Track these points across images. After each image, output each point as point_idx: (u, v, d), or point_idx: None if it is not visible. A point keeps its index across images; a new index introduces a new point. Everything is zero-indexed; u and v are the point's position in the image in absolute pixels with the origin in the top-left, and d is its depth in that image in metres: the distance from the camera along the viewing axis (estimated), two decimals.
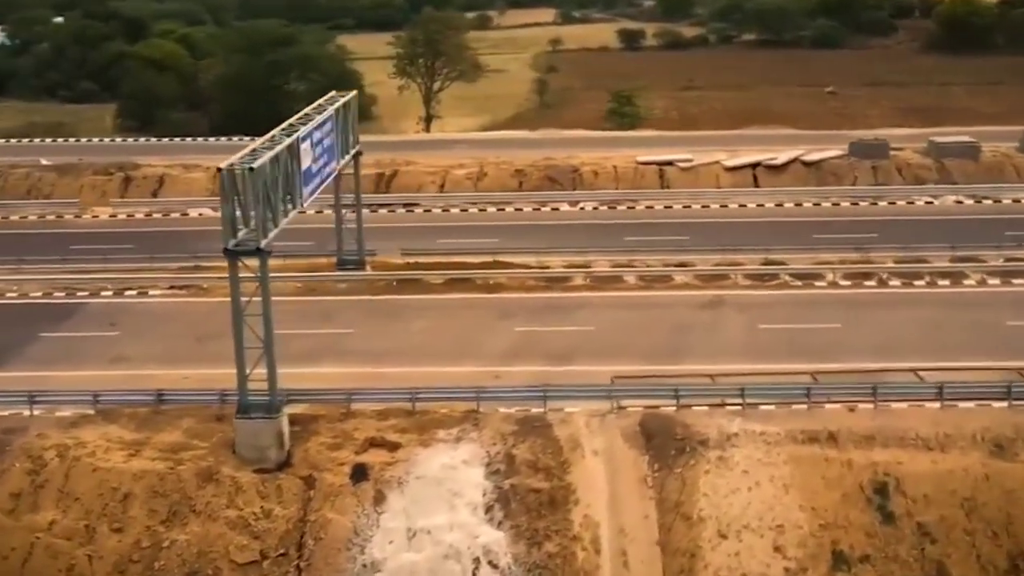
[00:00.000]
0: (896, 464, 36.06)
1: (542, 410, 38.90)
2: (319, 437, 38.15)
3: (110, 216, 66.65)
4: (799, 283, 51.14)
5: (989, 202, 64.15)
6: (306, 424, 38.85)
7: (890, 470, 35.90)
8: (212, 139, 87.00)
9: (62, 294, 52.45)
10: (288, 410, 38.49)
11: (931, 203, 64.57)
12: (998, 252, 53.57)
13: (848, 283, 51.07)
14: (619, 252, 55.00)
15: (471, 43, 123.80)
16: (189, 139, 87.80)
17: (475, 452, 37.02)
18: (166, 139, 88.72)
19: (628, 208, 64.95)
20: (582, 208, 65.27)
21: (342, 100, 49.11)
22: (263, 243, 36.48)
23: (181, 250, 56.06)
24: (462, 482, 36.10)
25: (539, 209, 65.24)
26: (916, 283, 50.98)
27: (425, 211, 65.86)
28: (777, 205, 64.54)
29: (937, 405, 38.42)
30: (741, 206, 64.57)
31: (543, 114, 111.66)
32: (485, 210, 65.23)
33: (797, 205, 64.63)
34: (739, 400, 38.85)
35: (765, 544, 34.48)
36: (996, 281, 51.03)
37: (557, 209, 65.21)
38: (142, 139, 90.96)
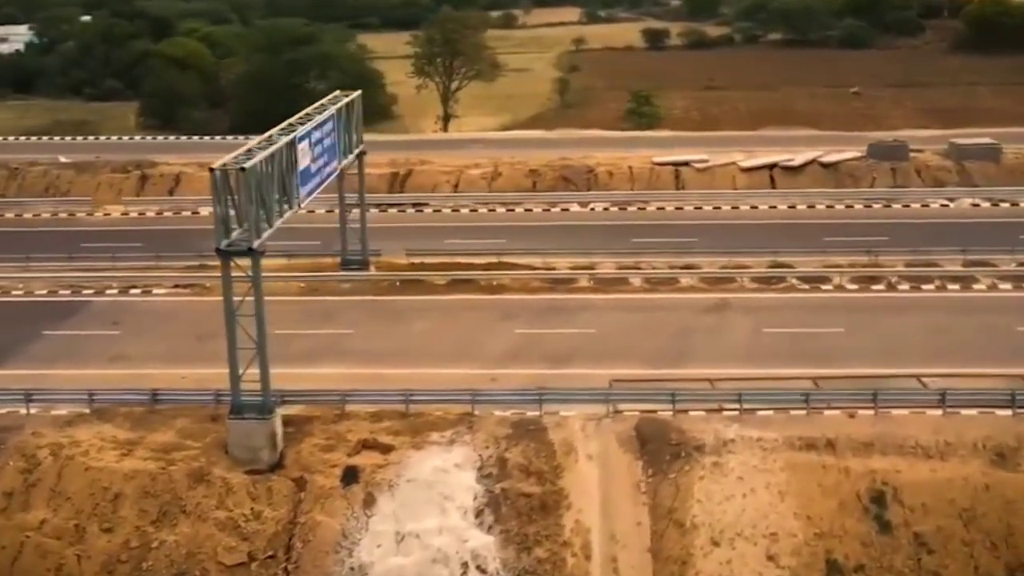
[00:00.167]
0: (894, 472, 35.40)
1: (538, 413, 38.51)
2: (312, 438, 37.97)
3: (122, 214, 66.94)
4: (806, 286, 50.46)
5: (1007, 205, 63.14)
6: (300, 425, 38.69)
7: (888, 478, 35.24)
8: (231, 137, 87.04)
9: (68, 292, 52.68)
10: (283, 411, 38.38)
11: (947, 206, 63.62)
12: (1011, 256, 52.55)
13: (855, 287, 50.34)
14: (626, 254, 54.49)
15: (493, 42, 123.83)
16: (207, 137, 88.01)
17: (468, 455, 36.70)
18: (184, 137, 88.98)
19: (639, 209, 64.48)
20: (592, 209, 64.82)
21: (345, 100, 48.90)
22: (255, 243, 36.29)
23: (188, 249, 56.02)
24: (453, 485, 35.79)
25: (549, 210, 64.91)
26: (925, 287, 50.20)
27: (434, 211, 65.68)
28: (789, 207, 63.85)
29: (939, 412, 37.71)
30: (753, 208, 63.97)
31: (564, 114, 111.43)
32: (494, 210, 64.98)
33: (810, 207, 63.90)
34: (737, 405, 38.29)
35: (758, 552, 33.96)
36: (1008, 286, 50.13)
37: (567, 210, 64.86)
38: (160, 137, 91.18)
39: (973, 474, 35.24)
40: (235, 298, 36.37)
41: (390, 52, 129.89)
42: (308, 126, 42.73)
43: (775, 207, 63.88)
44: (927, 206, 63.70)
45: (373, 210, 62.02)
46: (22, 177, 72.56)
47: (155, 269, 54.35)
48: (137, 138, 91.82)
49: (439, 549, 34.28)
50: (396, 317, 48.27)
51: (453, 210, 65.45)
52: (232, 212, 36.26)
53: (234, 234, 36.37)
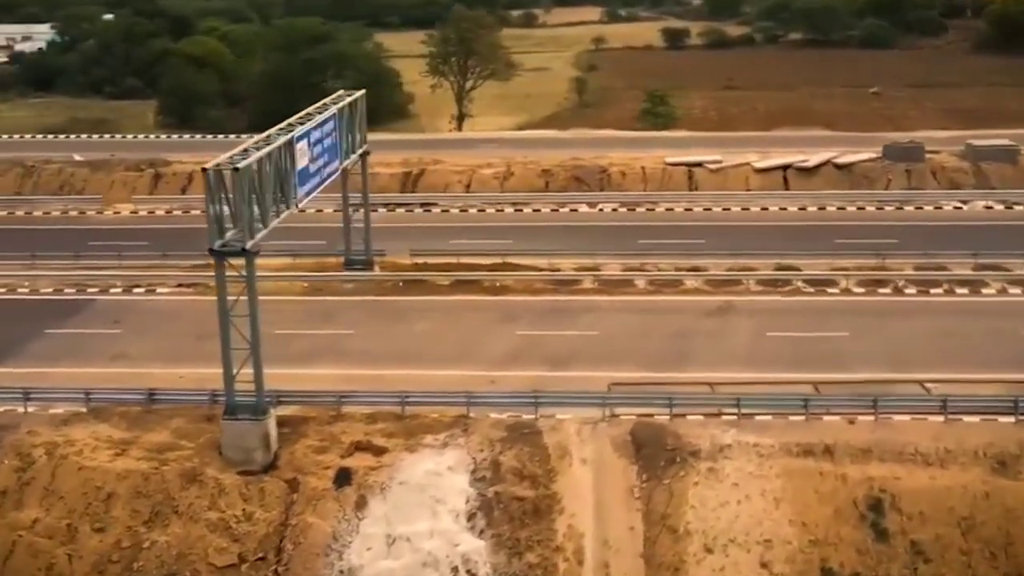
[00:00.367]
0: (893, 479, 34.89)
1: (533, 416, 38.19)
2: (307, 440, 37.78)
3: (131, 213, 67.06)
4: (811, 290, 49.85)
5: (1021, 208, 62.19)
6: (296, 426, 38.52)
7: (886, 485, 34.74)
8: (246, 136, 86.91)
9: (72, 290, 52.74)
10: (278, 412, 38.26)
11: (960, 208, 62.78)
12: (1023, 260, 51.69)
13: (862, 290, 49.70)
14: (632, 255, 54.02)
15: (512, 41, 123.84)
16: (221, 136, 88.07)
17: (461, 458, 36.42)
18: (199, 136, 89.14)
19: (647, 210, 64.01)
20: (601, 210, 64.40)
21: (347, 100, 48.69)
22: (249, 244, 36.09)
23: (195, 248, 55.35)
24: (446, 488, 35.53)
25: (557, 210, 64.53)
26: (933, 291, 49.51)
27: (442, 211, 65.41)
28: (800, 209, 63.20)
29: (940, 419, 37.13)
30: (763, 209, 63.38)
31: (581, 113, 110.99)
32: (503, 211, 64.69)
33: (820, 209, 63.21)
34: (735, 410, 37.85)
35: (752, 559, 33.55)
36: (1018, 290, 49.36)
37: (576, 210, 64.46)
38: (175, 136, 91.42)
39: (973, 482, 34.69)
40: (230, 298, 36.24)
41: (408, 51, 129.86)
42: (307, 126, 42.57)
43: (785, 209, 63.27)
44: (940, 208, 62.89)
45: (381, 210, 62.09)
46: (37, 175, 72.85)
47: (160, 268, 54.35)
48: (152, 137, 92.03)
49: (430, 553, 34.04)
50: (397, 318, 48.08)
51: (461, 210, 65.18)
52: (227, 212, 36.12)
53: (228, 234, 36.21)
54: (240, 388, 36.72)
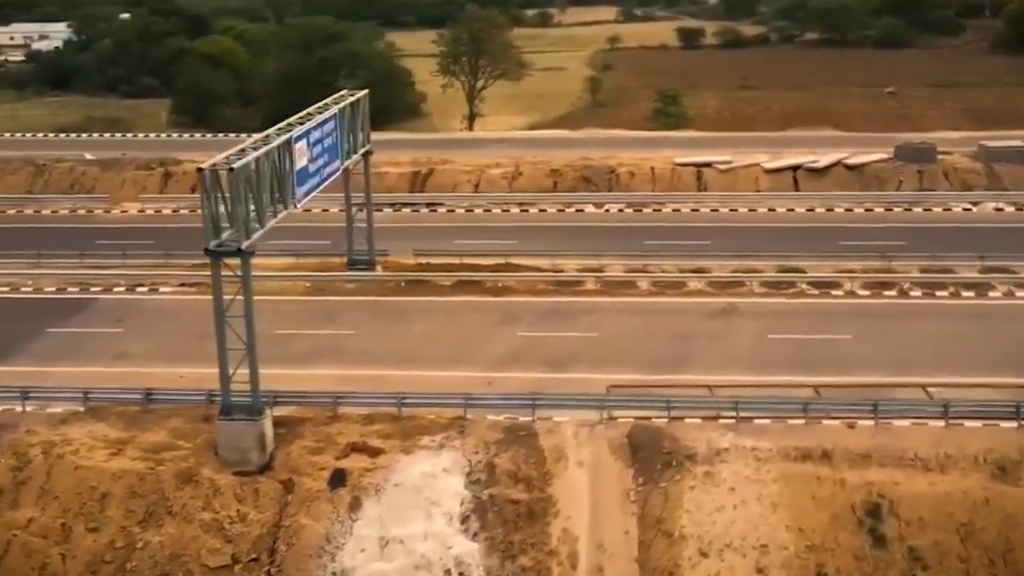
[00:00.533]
0: (892, 485, 34.48)
1: (530, 419, 37.96)
2: (303, 440, 37.69)
3: (138, 212, 67.18)
4: (815, 292, 49.40)
5: None
6: (292, 427, 38.44)
7: (885, 491, 34.32)
8: (258, 135, 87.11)
9: (76, 289, 52.83)
10: (275, 412, 38.20)
11: (969, 210, 62.11)
12: None
13: (867, 293, 49.22)
14: (635, 256, 53.66)
15: (527, 41, 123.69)
16: (234, 135, 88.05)
17: (457, 460, 36.23)
18: (211, 135, 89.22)
19: (654, 211, 63.65)
20: (607, 210, 64.09)
21: (349, 100, 48.60)
22: (244, 244, 36.06)
23: (198, 247, 55.53)
24: (440, 491, 35.34)
25: (563, 211, 64.26)
26: (938, 294, 48.97)
27: (448, 211, 65.22)
28: (808, 210, 62.68)
29: (941, 424, 36.70)
30: (770, 211, 62.90)
31: (594, 113, 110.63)
32: (508, 211, 64.45)
33: (828, 210, 62.65)
34: (733, 413, 37.51)
35: (747, 564, 33.23)
36: None
37: (582, 211, 64.17)
38: (187, 135, 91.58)
39: (973, 487, 34.25)
40: (227, 298, 36.17)
41: (422, 50, 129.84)
42: (306, 126, 42.48)
43: (793, 210, 62.78)
44: (949, 210, 62.25)
45: (387, 209, 62.10)
46: (48, 173, 73.13)
47: (164, 267, 54.37)
48: (164, 136, 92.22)
49: (423, 555, 33.87)
50: (399, 318, 47.95)
51: (467, 210, 64.98)
52: (223, 212, 36.07)
53: (224, 234, 36.18)
54: (237, 388, 36.66)
